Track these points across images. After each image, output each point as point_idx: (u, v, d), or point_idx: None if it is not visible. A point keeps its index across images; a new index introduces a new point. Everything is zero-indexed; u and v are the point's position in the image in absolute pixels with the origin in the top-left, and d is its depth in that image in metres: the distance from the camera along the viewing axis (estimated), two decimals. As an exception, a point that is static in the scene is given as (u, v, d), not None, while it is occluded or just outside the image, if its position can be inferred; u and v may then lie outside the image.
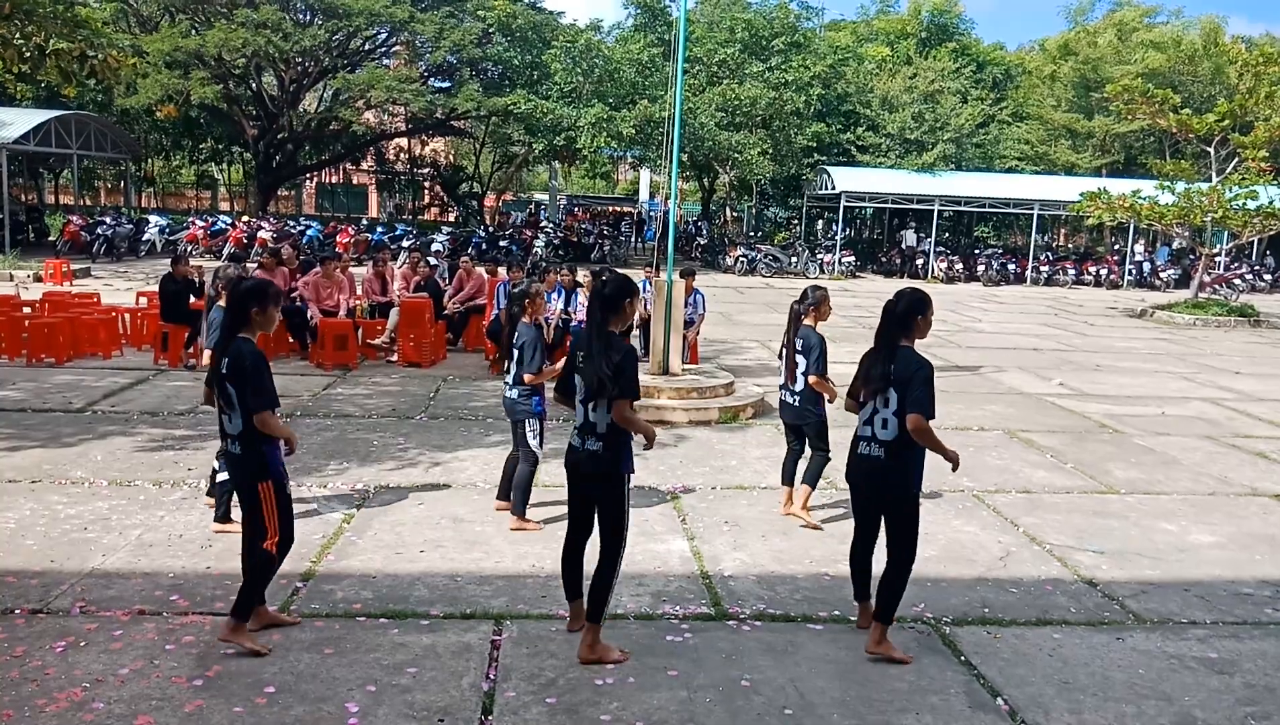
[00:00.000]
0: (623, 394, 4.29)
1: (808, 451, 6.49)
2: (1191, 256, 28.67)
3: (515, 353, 6.06)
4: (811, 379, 6.25)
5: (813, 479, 6.41)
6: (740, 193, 38.38)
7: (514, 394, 6.12)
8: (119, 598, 4.81)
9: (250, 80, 31.83)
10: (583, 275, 12.00)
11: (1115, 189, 22.55)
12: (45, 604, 4.71)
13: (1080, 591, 5.47)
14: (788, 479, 6.54)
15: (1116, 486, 7.60)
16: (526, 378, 5.97)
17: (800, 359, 6.31)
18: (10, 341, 11.14)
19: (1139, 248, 31.83)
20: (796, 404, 6.39)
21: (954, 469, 4.58)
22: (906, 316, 4.53)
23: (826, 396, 6.30)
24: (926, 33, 37.65)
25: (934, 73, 32.71)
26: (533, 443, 6.07)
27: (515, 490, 6.11)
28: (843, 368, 11.19)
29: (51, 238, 25.16)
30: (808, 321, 6.36)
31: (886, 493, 4.59)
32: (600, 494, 4.46)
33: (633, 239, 34.55)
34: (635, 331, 12.50)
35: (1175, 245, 31.25)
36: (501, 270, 12.98)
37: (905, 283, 28.55)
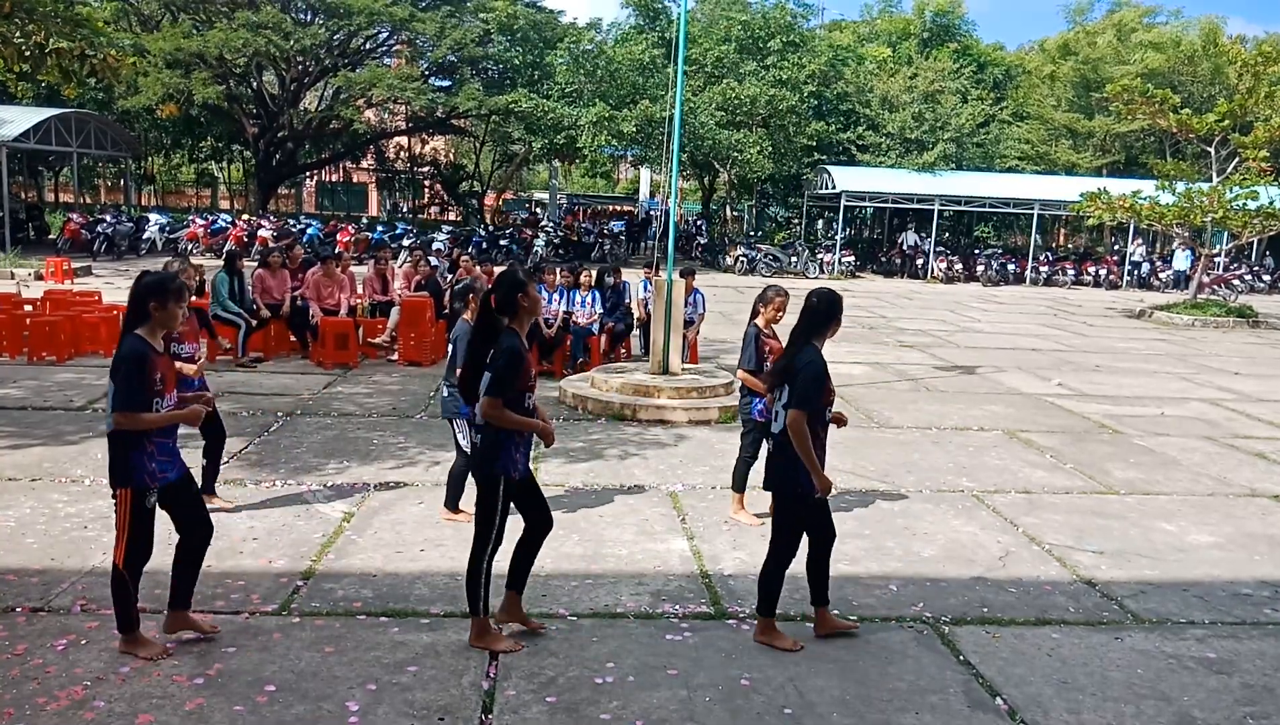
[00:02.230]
0: (486, 391, 4.26)
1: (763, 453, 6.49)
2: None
3: (450, 349, 5.97)
4: (739, 373, 6.30)
5: (735, 482, 6.38)
6: (740, 192, 38.35)
7: (446, 392, 6.08)
8: (120, 596, 4.81)
9: (251, 79, 31.84)
10: (584, 275, 11.99)
11: (1115, 189, 22.55)
12: (46, 602, 4.72)
13: (1079, 591, 5.48)
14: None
15: (1116, 487, 7.61)
16: (459, 373, 5.89)
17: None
18: (11, 340, 11.15)
19: (1140, 250, 31.82)
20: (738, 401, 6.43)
21: (819, 493, 4.48)
22: (828, 316, 4.59)
23: (759, 393, 6.26)
24: (929, 33, 37.64)
25: (934, 73, 32.70)
26: (462, 442, 5.92)
27: (449, 483, 6.09)
28: (841, 367, 11.17)
29: (52, 236, 25.19)
30: (757, 320, 6.39)
31: (774, 489, 4.64)
32: (480, 489, 4.42)
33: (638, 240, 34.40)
34: (635, 331, 12.50)
35: (1176, 246, 31.19)
36: (498, 270, 12.95)
37: (905, 282, 28.85)
